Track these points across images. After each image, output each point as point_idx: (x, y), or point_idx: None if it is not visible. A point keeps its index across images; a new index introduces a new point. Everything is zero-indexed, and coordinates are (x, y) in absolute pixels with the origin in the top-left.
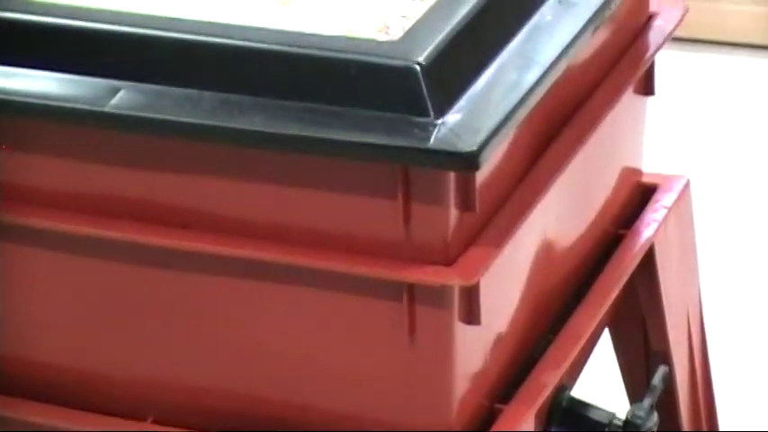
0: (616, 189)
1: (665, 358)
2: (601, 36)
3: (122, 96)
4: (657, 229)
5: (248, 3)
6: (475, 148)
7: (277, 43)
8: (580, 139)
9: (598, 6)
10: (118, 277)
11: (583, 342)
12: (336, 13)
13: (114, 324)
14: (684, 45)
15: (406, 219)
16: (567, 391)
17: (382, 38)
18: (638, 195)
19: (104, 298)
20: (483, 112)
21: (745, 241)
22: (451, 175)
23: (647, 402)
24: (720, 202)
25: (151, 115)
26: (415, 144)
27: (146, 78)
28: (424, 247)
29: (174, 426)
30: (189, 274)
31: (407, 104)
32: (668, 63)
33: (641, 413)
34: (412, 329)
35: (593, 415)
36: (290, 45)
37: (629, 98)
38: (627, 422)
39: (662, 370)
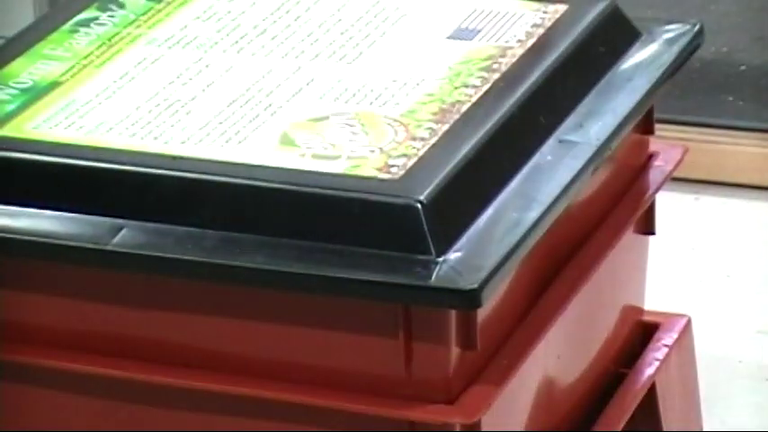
0: (617, 327)
1: None
2: (601, 175)
3: (125, 235)
4: (659, 368)
5: (249, 143)
6: (476, 285)
7: (278, 182)
8: (581, 277)
9: (598, 147)
10: (117, 417)
11: None
12: (338, 152)
13: None
14: (684, 185)
15: (408, 357)
16: None
17: (383, 176)
18: (640, 334)
19: None
20: (484, 249)
21: (747, 379)
22: (453, 314)
23: None
24: (722, 340)
25: (153, 253)
26: (417, 282)
27: (148, 217)
28: (426, 385)
29: None
30: (191, 413)
31: (409, 242)
32: (668, 203)
33: None
34: None
35: None
36: (291, 184)
37: (629, 237)
38: None
39: None
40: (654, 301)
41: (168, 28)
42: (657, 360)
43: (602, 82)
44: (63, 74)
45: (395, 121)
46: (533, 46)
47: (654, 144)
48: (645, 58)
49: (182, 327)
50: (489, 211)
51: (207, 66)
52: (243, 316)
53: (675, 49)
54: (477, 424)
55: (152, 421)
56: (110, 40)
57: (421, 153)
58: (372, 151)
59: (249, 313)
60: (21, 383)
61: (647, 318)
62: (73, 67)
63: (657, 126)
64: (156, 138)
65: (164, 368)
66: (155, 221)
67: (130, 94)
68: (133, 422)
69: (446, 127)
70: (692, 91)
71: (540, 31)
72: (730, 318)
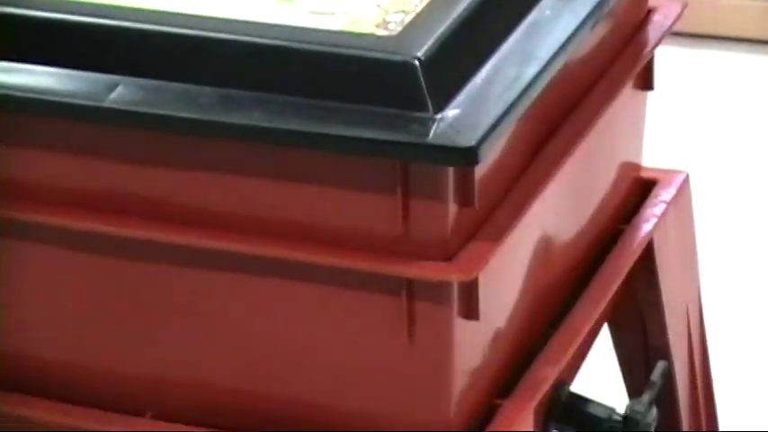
0: (615, 184)
1: (665, 354)
2: (600, 31)
3: (121, 91)
4: (657, 224)
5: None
6: (474, 143)
7: (276, 38)
8: (579, 134)
9: (597, 2)
10: (115, 273)
11: (582, 337)
12: (335, 8)
13: (111, 320)
14: (683, 40)
15: (405, 214)
16: (566, 387)
17: (381, 33)
18: (638, 190)
19: (102, 294)
20: (482, 107)
21: (745, 236)
22: (450, 171)
23: (646, 398)
24: (720, 197)
25: (150, 110)
26: (414, 139)
27: (145, 73)
28: (423, 242)
29: (172, 421)
30: (187, 270)
31: (406, 100)
32: (667, 58)
33: (640, 408)
34: (411, 325)
35: (593, 410)
36: (288, 40)
37: (628, 93)
38: (626, 417)
39: (661, 365)
40: (652, 158)
41: None
42: (655, 216)
43: None
44: None
45: None
46: None
47: None
48: None
49: (178, 184)
50: (487, 69)
51: None
52: (240, 173)
53: None
54: (475, 281)
55: (149, 277)
56: None
57: (419, 9)
58: (370, 7)
59: (246, 170)
60: (19, 240)
61: (645, 174)
62: None
63: None
64: None
65: (160, 225)
66: (151, 78)
67: None
68: (130, 279)
69: None
70: None
71: None
72: (728, 173)
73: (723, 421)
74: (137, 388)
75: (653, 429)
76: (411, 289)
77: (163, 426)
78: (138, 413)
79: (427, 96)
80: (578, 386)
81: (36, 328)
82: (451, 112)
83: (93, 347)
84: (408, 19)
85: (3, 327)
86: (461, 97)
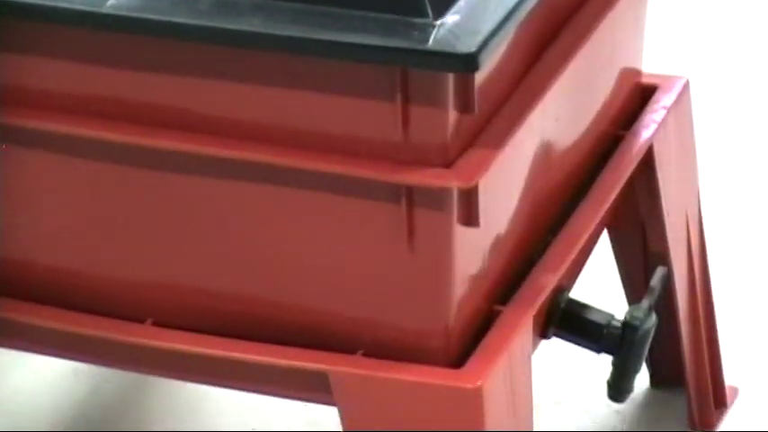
0: (615, 90)
1: (664, 260)
2: None
3: None
4: (656, 130)
5: None
6: (474, 49)
7: None
8: (579, 39)
9: None
10: (118, 180)
11: (581, 244)
12: None
13: (114, 226)
14: None
15: (405, 121)
16: (566, 293)
17: None
18: (638, 96)
19: (105, 200)
20: (482, 13)
21: (746, 141)
22: (450, 77)
23: (645, 303)
24: (721, 102)
25: (149, 16)
26: (414, 45)
27: None
28: (423, 149)
29: (173, 327)
30: (188, 177)
31: (406, 5)
32: None
33: (639, 314)
34: (411, 232)
35: (592, 316)
36: None
37: None
38: (625, 323)
39: (660, 271)
40: (652, 63)
41: None
42: (655, 122)
43: None
44: None
45: None
46: None
47: None
48: None
49: (177, 90)
50: None
51: None
52: (240, 80)
53: None
54: (475, 188)
55: (151, 185)
56: None
57: None
58: None
59: (247, 77)
60: (18, 146)
61: (645, 80)
62: None
63: None
64: None
65: (159, 131)
66: None
67: None
68: (132, 186)
69: None
70: None
71: None
72: (729, 78)
73: (722, 328)
74: (138, 294)
75: (652, 335)
76: (411, 196)
77: (163, 332)
78: (139, 320)
79: (427, 2)
80: (578, 293)
81: (36, 236)
82: (451, 18)
83: (93, 254)
84: None
85: (4, 234)
86: (461, 3)
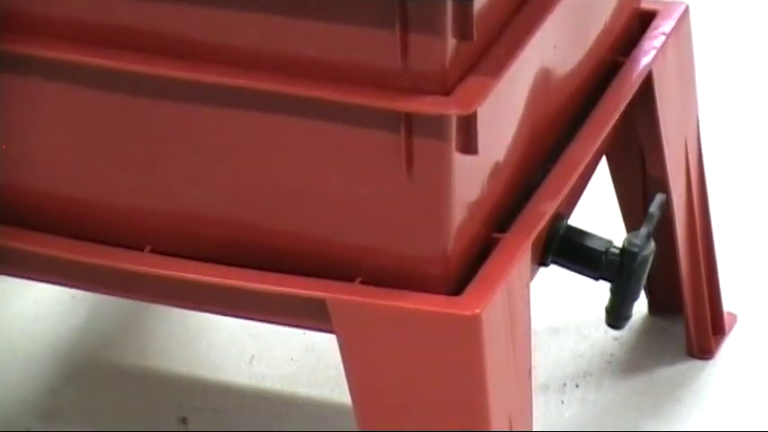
0: (614, 16)
1: (663, 187)
2: None
3: None
4: (656, 57)
5: None
6: None
7: None
8: None
9: None
10: (116, 106)
11: (580, 171)
12: None
13: (112, 153)
14: None
15: (404, 49)
16: (565, 220)
17: None
18: (637, 22)
19: (102, 127)
20: None
21: (745, 67)
22: (449, 4)
23: (644, 230)
24: (720, 28)
25: None
26: None
27: None
28: (422, 76)
29: (171, 255)
30: (186, 104)
31: None
32: None
33: (638, 241)
34: (409, 160)
35: (590, 243)
36: None
37: None
38: (624, 250)
39: (659, 198)
40: None
41: None
42: (654, 49)
43: None
44: None
45: None
46: None
47: None
48: None
49: (175, 17)
50: None
51: None
52: (238, 7)
53: None
54: (473, 115)
55: (149, 112)
56: None
57: None
58: None
59: (245, 4)
60: (15, 73)
61: (644, 5)
62: None
63: None
64: None
65: (158, 59)
66: None
67: None
68: (130, 112)
69: None
70: None
71: None
72: (729, 3)
73: (721, 255)
74: (137, 222)
75: (650, 262)
76: (410, 124)
77: (162, 259)
78: (138, 247)
79: None
80: (577, 220)
81: (35, 163)
82: None
83: (91, 182)
84: None
85: (1, 161)
86: None
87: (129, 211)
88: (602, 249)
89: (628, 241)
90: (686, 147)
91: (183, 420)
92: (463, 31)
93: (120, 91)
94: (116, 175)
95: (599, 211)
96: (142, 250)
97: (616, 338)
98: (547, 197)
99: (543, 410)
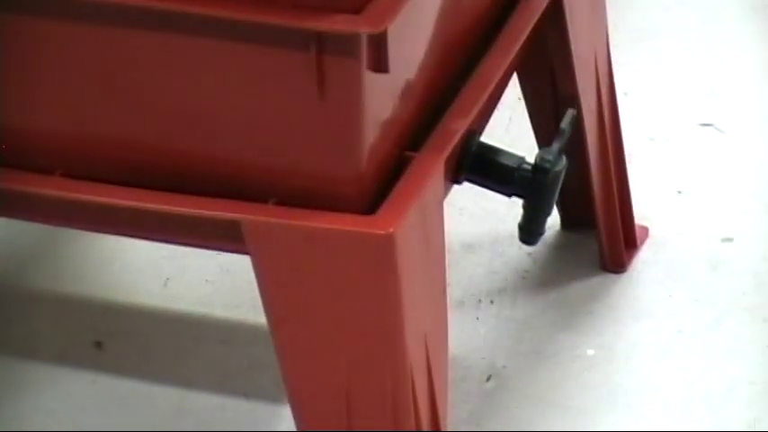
0: None
1: (574, 102)
2: None
3: None
4: None
5: None
6: None
7: None
8: None
9: None
10: (27, 28)
11: (491, 88)
12: None
13: (23, 76)
14: None
15: None
16: (477, 138)
17: None
18: None
19: (12, 49)
20: None
21: None
22: None
23: (555, 146)
24: None
25: None
26: None
27: None
28: None
29: (81, 179)
30: (97, 26)
31: None
32: None
33: (550, 157)
34: (321, 79)
35: (503, 159)
36: None
37: None
38: (536, 165)
39: (570, 113)
40: None
41: None
42: None
43: None
44: None
45: None
46: None
47: None
48: None
49: None
50: None
51: None
52: None
53: None
54: (384, 33)
55: (59, 34)
56: None
57: None
58: None
59: None
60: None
61: None
62: None
63: None
64: None
65: None
66: None
67: None
68: (40, 34)
69: None
70: None
71: None
72: None
73: (632, 169)
74: (46, 146)
75: (562, 177)
76: (321, 43)
77: (72, 183)
78: (48, 171)
79: None
80: (488, 137)
81: None
82: None
83: (10, 104)
84: None
85: None
86: None
87: (39, 135)
88: (515, 165)
89: (540, 157)
90: (596, 62)
91: (99, 344)
92: None
93: (32, 14)
94: (25, 98)
95: (511, 128)
96: (53, 174)
97: (530, 254)
98: (459, 115)
99: (459, 327)
